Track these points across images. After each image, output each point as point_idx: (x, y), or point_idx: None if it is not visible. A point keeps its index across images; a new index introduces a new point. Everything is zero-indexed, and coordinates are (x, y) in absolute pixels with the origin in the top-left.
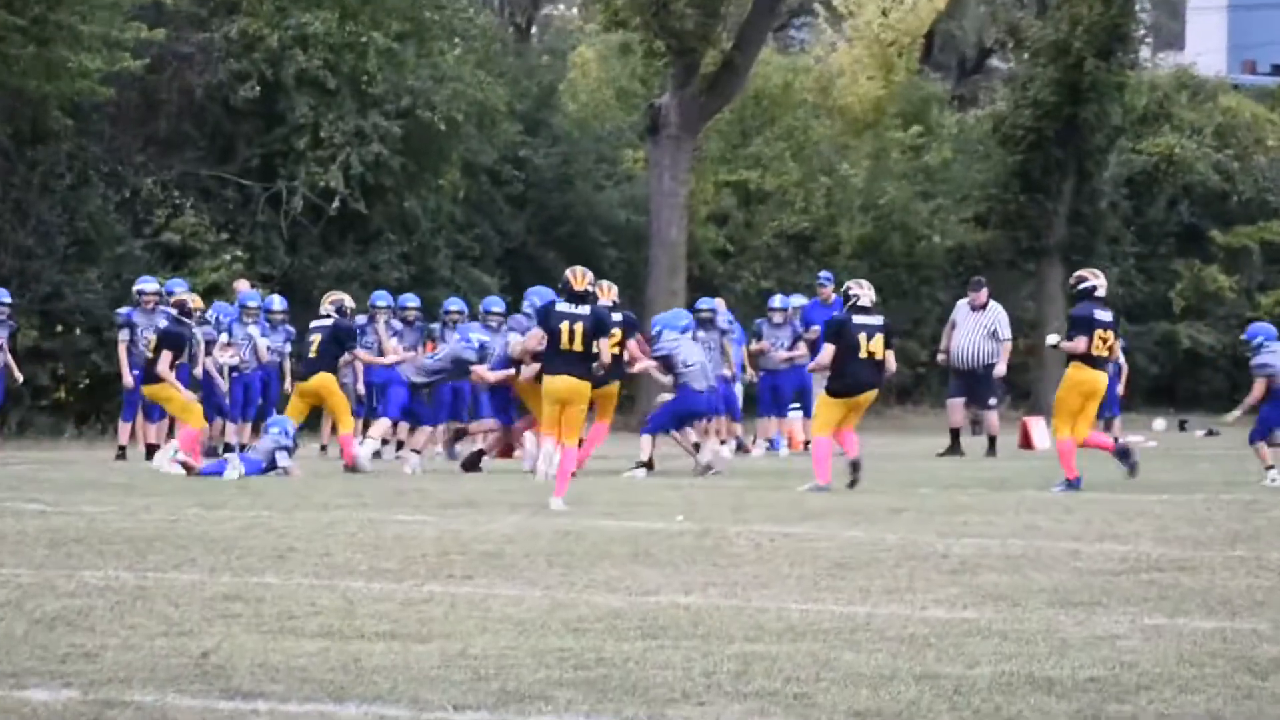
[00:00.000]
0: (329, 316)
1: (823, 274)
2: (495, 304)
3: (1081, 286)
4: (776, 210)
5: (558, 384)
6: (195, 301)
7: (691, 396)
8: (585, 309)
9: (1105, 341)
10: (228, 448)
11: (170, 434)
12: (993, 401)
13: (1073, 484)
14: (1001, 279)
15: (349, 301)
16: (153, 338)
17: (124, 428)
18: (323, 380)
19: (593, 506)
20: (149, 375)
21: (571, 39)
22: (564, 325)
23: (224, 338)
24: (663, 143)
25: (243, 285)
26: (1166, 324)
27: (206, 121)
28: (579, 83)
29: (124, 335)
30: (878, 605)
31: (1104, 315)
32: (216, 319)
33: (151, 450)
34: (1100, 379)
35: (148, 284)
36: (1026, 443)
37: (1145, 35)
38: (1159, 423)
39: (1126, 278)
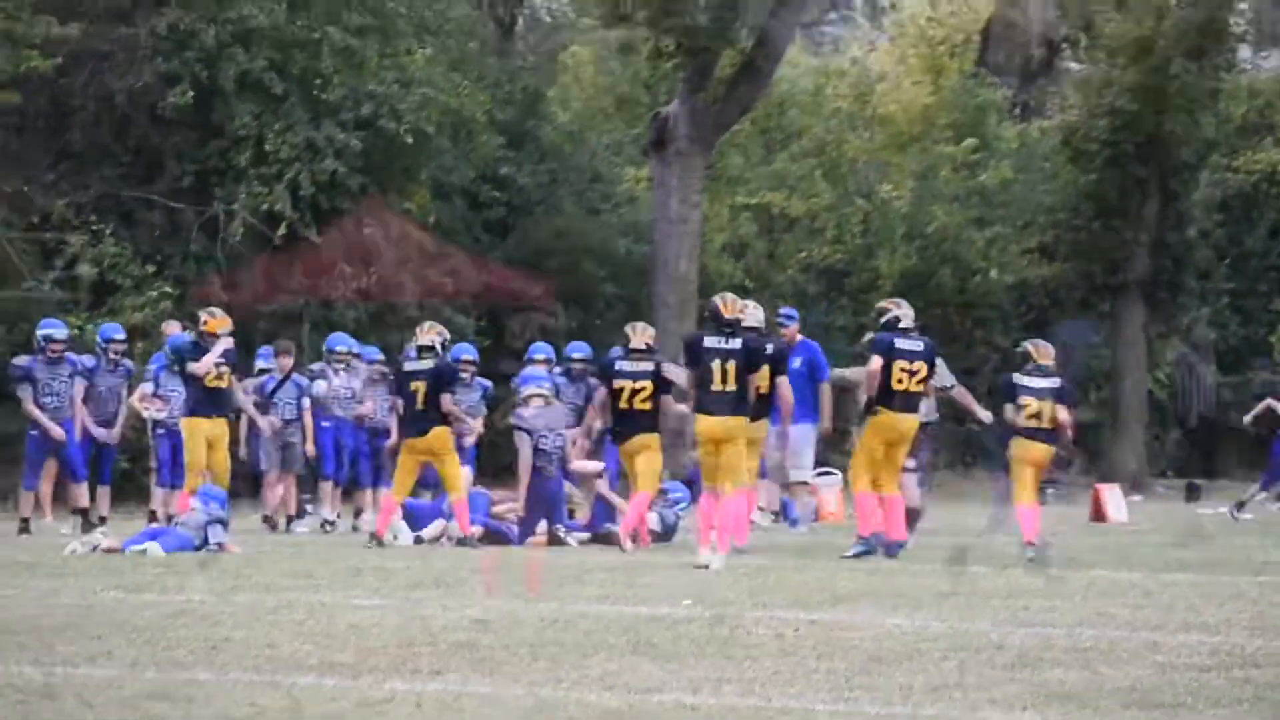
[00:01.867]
0: (430, 351)
1: (784, 310)
2: (466, 351)
3: (885, 319)
4: (804, 239)
5: (709, 425)
6: (211, 323)
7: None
8: (737, 342)
9: (914, 375)
10: (153, 517)
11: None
12: (910, 464)
13: (870, 545)
14: (1073, 320)
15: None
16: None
17: (26, 497)
18: (439, 436)
19: (585, 587)
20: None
21: (563, 36)
22: (715, 362)
23: (148, 387)
24: (670, 159)
25: (172, 327)
26: (1266, 374)
27: (129, 133)
28: (571, 88)
29: (24, 391)
30: (921, 705)
31: (906, 345)
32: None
33: (84, 516)
34: (903, 421)
35: (55, 329)
36: (1099, 514)
37: (1245, 32)
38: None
39: (1220, 318)
